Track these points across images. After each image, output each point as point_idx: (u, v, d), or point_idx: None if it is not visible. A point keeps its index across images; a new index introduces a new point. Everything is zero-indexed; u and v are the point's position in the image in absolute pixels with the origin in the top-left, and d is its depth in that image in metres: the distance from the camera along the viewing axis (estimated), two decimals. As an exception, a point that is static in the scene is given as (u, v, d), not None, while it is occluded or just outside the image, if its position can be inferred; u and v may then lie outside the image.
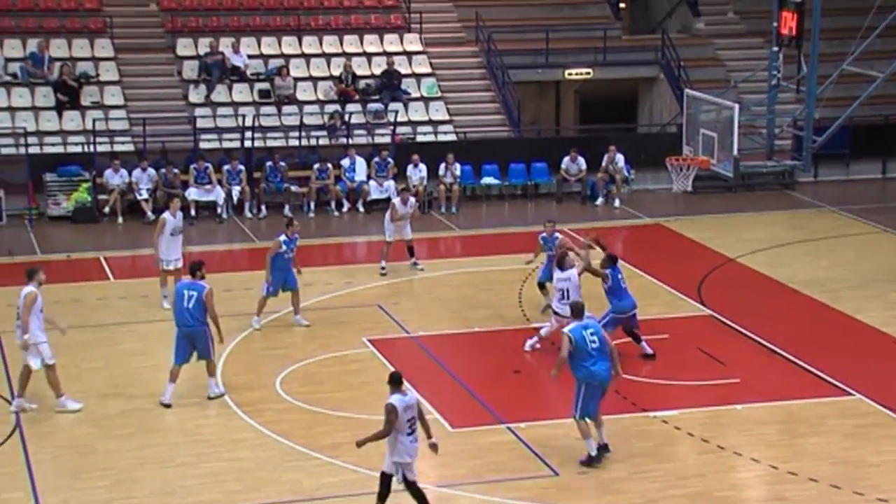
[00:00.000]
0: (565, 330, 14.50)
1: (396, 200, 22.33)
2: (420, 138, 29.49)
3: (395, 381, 12.80)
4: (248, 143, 27.81)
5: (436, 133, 29.74)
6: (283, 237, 18.99)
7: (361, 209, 27.46)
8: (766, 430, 15.81)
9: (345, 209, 27.35)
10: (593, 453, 14.54)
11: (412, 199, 22.46)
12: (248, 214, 26.92)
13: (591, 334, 14.38)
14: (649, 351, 17.90)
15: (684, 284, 21.80)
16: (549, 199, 28.63)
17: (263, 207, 27.06)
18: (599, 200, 28.21)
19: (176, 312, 16.29)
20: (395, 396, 12.71)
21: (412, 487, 12.92)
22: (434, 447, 12.88)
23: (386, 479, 12.93)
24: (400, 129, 29.24)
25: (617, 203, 28.01)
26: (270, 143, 28.47)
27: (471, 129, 29.81)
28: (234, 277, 22.41)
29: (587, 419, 14.53)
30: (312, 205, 27.33)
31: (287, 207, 27.04)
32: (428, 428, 12.96)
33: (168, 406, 16.31)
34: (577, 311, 14.66)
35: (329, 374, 17.58)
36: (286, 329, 19.54)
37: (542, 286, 19.48)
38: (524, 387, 17.12)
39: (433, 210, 27.56)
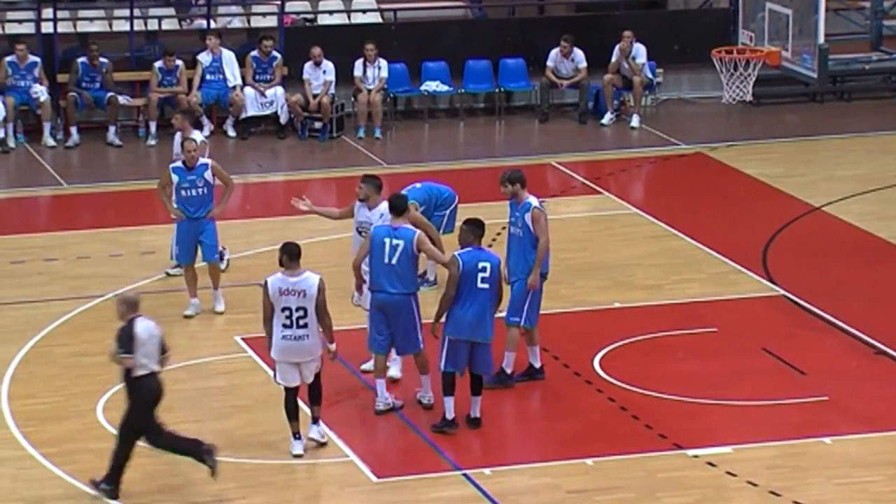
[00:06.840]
0: None
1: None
2: (324, 20, 29.49)
3: (291, 253, 16.14)
4: (47, 27, 27.63)
5: (349, 12, 29.72)
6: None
7: (232, 133, 27.53)
8: (870, 477, 15.94)
9: (206, 133, 27.11)
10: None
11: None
12: (51, 141, 26.80)
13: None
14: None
15: (742, 249, 21.97)
16: (530, 115, 28.75)
17: (74, 130, 26.91)
18: (608, 118, 28.33)
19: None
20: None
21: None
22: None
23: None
24: (291, 6, 29.15)
25: (635, 121, 28.16)
26: (84, 28, 28.41)
27: (404, 6, 29.82)
28: (28, 242, 22.50)
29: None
30: (154, 126, 27.20)
31: (113, 130, 26.86)
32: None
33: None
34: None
35: (183, 395, 17.50)
36: (109, 323, 19.37)
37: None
38: (487, 411, 17.07)
39: (346, 133, 27.60)
